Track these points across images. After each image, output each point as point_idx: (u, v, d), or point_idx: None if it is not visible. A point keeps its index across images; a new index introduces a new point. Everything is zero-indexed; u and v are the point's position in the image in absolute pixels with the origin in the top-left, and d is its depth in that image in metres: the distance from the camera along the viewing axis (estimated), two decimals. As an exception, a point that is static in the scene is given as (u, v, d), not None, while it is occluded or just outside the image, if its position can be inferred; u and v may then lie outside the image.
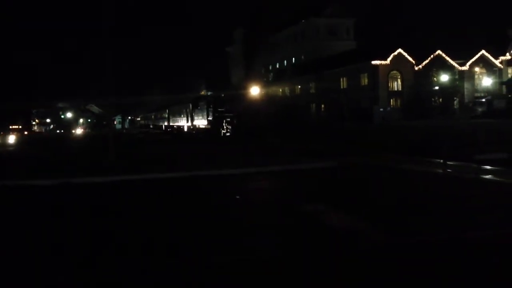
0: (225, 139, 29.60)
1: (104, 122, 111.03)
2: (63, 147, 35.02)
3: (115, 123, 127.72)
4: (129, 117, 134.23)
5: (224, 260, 6.51)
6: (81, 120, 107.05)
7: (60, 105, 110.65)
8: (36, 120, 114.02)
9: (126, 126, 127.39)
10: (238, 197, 10.82)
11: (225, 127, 29.81)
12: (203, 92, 54.59)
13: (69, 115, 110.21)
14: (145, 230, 8.49)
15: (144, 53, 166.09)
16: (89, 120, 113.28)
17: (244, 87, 33.02)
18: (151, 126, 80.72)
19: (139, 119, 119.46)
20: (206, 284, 5.76)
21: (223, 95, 34.60)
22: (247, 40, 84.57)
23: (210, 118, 34.61)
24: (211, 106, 34.28)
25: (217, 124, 31.55)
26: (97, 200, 11.94)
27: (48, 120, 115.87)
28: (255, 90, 31.42)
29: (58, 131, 75.32)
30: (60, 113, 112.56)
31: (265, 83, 48.53)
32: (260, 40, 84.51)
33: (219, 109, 32.46)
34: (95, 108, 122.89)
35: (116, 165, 17.47)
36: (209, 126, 35.13)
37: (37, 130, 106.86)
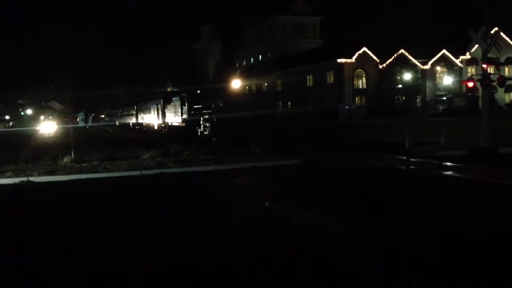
0: (203, 138, 26.72)
1: (66, 119, 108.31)
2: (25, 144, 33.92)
3: (77, 120, 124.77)
4: (92, 114, 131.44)
5: (191, 259, 6.44)
6: (42, 117, 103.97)
7: (20, 101, 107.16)
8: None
9: (90, 123, 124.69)
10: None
11: (202, 125, 27.22)
12: (169, 89, 53.23)
13: (29, 111, 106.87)
14: (93, 228, 8.32)
15: (105, 50, 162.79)
16: (50, 117, 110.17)
17: (221, 81, 31.25)
18: (117, 124, 78.43)
19: (103, 116, 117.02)
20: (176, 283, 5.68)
21: (199, 91, 31.53)
22: (223, 34, 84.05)
23: (185, 116, 31.12)
24: (186, 102, 30.90)
25: (194, 122, 28.84)
26: (57, 199, 11.61)
27: (7, 117, 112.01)
28: (236, 84, 29.23)
29: (35, 127, 71.16)
30: (20, 109, 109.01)
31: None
32: (236, 33, 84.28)
33: (195, 106, 29.56)
34: (56, 105, 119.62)
35: (77, 164, 17.03)
36: (183, 124, 31.79)
37: None
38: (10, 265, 6.48)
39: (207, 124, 26.29)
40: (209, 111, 27.16)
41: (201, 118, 27.30)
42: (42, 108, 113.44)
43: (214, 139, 24.94)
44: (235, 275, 5.88)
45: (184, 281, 5.76)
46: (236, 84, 28.86)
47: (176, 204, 10.53)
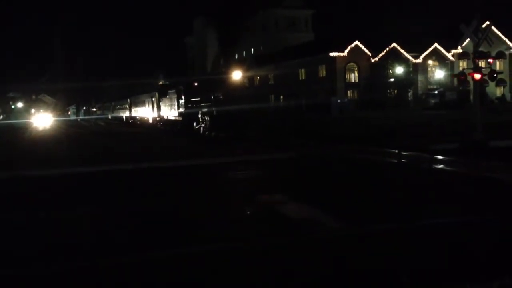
0: (200, 132, 25.66)
1: (58, 112, 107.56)
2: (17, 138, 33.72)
3: (69, 113, 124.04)
4: (84, 108, 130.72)
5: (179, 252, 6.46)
6: (33, 110, 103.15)
7: (10, 94, 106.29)
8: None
9: (81, 116, 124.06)
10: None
11: (200, 119, 25.96)
12: (161, 82, 52.76)
13: (20, 105, 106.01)
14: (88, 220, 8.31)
15: (98, 44, 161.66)
16: (41, 110, 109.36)
17: (216, 74, 29.77)
18: (109, 117, 77.63)
19: (95, 109, 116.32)
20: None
21: (196, 83, 29.42)
22: (216, 27, 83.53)
23: (181, 110, 29.66)
24: (183, 95, 29.43)
25: (191, 115, 27.53)
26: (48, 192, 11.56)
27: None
28: (236, 76, 27.64)
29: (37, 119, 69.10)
30: (11, 103, 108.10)
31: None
32: (229, 26, 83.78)
33: (193, 99, 28.12)
34: (47, 98, 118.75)
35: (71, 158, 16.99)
36: (180, 118, 30.38)
37: None
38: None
39: (206, 118, 25.17)
40: (208, 104, 25.79)
41: (200, 112, 26.13)
42: (33, 101, 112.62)
43: (212, 133, 24.12)
44: (223, 269, 5.91)
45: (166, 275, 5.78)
46: (236, 76, 27.45)
47: (164, 196, 10.51)
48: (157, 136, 30.86)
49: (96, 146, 23.84)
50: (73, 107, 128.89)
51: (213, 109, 24.48)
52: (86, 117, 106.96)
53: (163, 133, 33.06)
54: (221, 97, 25.26)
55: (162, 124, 36.71)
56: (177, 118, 31.15)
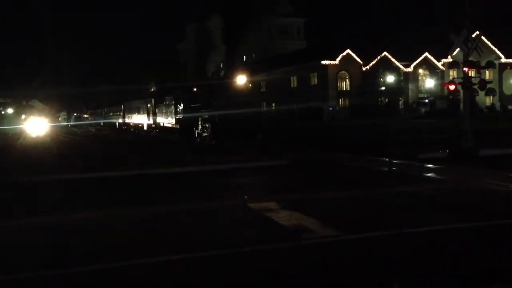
0: (201, 140, 24.90)
1: (49, 118, 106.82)
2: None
3: (59, 119, 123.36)
4: (75, 114, 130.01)
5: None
6: (23, 116, 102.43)
7: (0, 100, 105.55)
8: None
9: (72, 122, 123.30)
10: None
11: (201, 126, 25.15)
12: (153, 89, 52.54)
13: (10, 110, 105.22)
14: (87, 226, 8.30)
15: (89, 49, 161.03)
16: (32, 116, 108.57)
17: (218, 79, 29.25)
18: (101, 123, 76.96)
19: (86, 116, 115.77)
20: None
21: (195, 89, 28.58)
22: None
23: (179, 116, 28.99)
24: (181, 101, 28.72)
25: (190, 122, 26.65)
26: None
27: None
28: (240, 81, 27.05)
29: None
30: (1, 108, 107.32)
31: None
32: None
33: (192, 105, 27.27)
34: (38, 104, 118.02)
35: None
36: (177, 126, 29.78)
37: None
38: None
39: (207, 125, 24.49)
40: (208, 110, 24.93)
41: (199, 118, 25.32)
42: (24, 107, 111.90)
43: (213, 141, 23.58)
44: (214, 276, 5.93)
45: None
46: (240, 81, 26.83)
47: (157, 201, 10.52)
48: (154, 143, 30.71)
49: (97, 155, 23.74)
50: (64, 113, 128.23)
51: (215, 115, 23.96)
52: (78, 123, 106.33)
53: (161, 141, 32.87)
54: (222, 103, 24.84)
55: (158, 131, 36.13)
56: (174, 126, 30.39)
